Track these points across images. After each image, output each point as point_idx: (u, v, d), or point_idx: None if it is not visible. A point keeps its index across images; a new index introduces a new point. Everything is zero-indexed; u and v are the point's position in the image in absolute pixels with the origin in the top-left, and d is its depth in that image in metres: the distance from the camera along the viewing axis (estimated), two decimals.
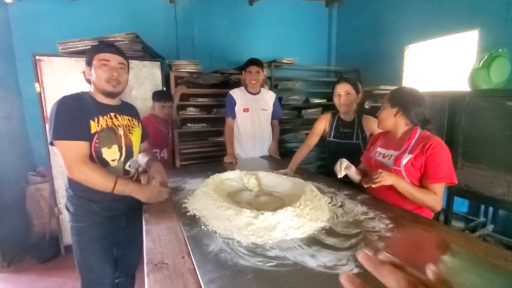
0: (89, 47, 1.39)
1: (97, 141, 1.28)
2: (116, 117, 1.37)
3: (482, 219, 2.76)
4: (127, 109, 1.49)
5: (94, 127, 1.27)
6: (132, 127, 1.45)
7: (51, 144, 1.22)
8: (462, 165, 2.15)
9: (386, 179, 1.23)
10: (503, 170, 1.95)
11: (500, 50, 2.14)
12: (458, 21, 2.73)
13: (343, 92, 1.88)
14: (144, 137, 1.61)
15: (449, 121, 2.23)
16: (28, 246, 2.74)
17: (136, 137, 1.47)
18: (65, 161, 1.20)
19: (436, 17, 2.93)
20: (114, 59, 1.32)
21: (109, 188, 1.24)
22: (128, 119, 1.44)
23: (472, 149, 2.11)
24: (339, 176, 1.44)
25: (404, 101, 1.39)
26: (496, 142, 1.98)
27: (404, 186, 1.26)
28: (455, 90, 2.38)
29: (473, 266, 0.88)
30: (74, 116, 1.23)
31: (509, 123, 1.91)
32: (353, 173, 1.52)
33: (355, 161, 1.67)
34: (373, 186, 1.25)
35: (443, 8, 2.87)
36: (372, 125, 1.86)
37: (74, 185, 1.33)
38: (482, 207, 2.76)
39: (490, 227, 2.66)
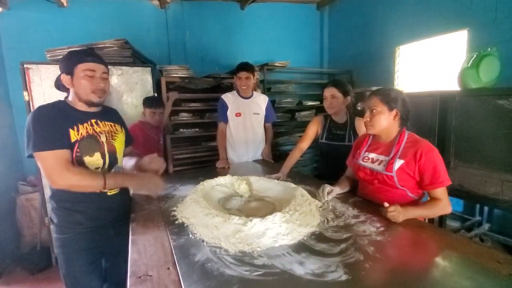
0: (68, 53, 1.30)
1: (78, 150, 1.23)
2: (97, 124, 1.33)
3: (477, 218, 2.75)
4: (108, 114, 1.43)
5: (73, 136, 1.22)
6: (115, 133, 1.40)
7: (30, 156, 1.17)
8: (455, 164, 2.15)
9: (399, 218, 1.15)
10: (496, 168, 1.95)
11: (489, 49, 2.15)
12: (447, 22, 2.75)
13: (328, 96, 1.88)
14: (128, 142, 1.56)
15: (441, 120, 2.23)
16: (19, 257, 2.69)
17: (119, 143, 1.42)
18: (46, 171, 1.15)
19: (426, 18, 2.95)
20: (99, 69, 1.27)
21: (100, 185, 1.19)
22: (110, 125, 1.40)
23: (464, 149, 2.11)
24: (323, 201, 1.39)
25: (404, 102, 1.34)
26: (488, 141, 1.98)
27: (414, 214, 1.21)
28: (446, 89, 2.38)
29: (464, 269, 0.87)
30: (52, 125, 1.18)
31: (500, 121, 1.91)
32: (339, 191, 1.49)
33: None
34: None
35: (432, 9, 2.89)
36: (364, 127, 1.85)
37: (57, 196, 1.29)
38: (477, 206, 2.76)
39: (486, 226, 2.65)
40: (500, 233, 2.58)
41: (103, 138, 1.32)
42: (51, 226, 2.45)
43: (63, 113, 1.23)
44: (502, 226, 2.63)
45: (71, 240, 1.30)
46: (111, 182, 1.22)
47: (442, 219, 2.39)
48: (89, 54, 1.28)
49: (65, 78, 1.25)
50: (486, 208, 2.70)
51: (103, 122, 1.36)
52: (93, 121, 1.31)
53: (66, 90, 1.32)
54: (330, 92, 1.87)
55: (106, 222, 1.38)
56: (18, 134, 3.00)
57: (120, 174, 1.29)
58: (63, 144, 1.18)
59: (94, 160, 1.28)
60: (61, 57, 2.41)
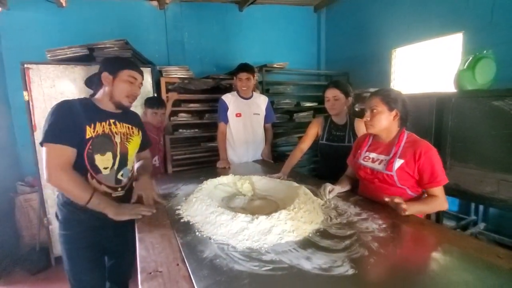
0: (114, 56, 1.45)
1: (90, 147, 1.26)
2: (115, 124, 1.36)
3: (473, 217, 2.80)
4: (129, 117, 1.47)
5: (89, 132, 1.25)
6: (130, 136, 1.43)
7: (41, 145, 1.20)
8: (451, 164, 2.19)
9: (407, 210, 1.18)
10: (492, 168, 1.99)
11: (485, 51, 2.20)
12: (442, 25, 2.80)
13: (331, 97, 1.90)
14: (145, 146, 1.60)
15: (437, 121, 2.28)
16: (18, 258, 2.67)
17: (133, 145, 1.45)
18: (46, 164, 1.17)
19: (422, 21, 3.00)
20: (139, 79, 1.40)
21: (84, 200, 1.20)
22: (128, 127, 1.43)
23: (460, 149, 2.15)
24: (324, 200, 1.41)
25: (404, 103, 1.37)
26: (484, 141, 2.02)
27: (414, 209, 1.23)
28: (442, 91, 2.43)
29: (465, 264, 0.89)
30: (67, 120, 1.21)
31: (496, 122, 1.95)
32: (339, 190, 1.52)
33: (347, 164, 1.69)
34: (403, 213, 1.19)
35: (428, 12, 2.94)
36: (364, 128, 1.88)
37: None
38: (473, 205, 2.81)
39: (481, 225, 2.69)
40: (495, 232, 2.62)
41: (117, 139, 1.36)
42: (51, 227, 2.47)
43: (83, 109, 1.27)
44: (498, 225, 2.68)
45: (73, 237, 1.32)
46: (95, 201, 1.23)
47: (438, 217, 2.44)
48: (135, 64, 1.42)
49: (107, 77, 1.32)
50: (481, 207, 2.75)
51: (121, 123, 1.39)
52: (111, 121, 1.35)
53: (96, 88, 1.38)
54: (332, 93, 1.89)
55: (108, 222, 1.37)
56: (16, 134, 2.99)
57: (106, 200, 1.28)
58: (71, 141, 1.20)
59: (105, 159, 1.31)
60: (61, 57, 2.45)
